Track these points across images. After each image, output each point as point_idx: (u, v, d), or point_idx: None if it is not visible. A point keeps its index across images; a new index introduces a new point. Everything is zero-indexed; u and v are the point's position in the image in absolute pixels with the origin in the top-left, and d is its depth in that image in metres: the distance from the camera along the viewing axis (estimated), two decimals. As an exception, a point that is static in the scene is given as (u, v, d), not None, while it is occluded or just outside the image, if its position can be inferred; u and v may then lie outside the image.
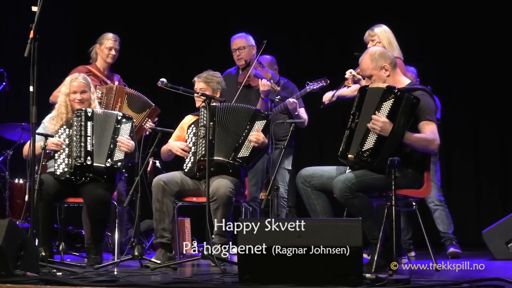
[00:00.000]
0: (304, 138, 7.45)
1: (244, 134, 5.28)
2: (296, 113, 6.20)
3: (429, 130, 4.71)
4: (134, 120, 5.60)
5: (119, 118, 5.42)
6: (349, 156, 4.74)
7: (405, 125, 4.63)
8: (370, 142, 4.64)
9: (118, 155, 5.36)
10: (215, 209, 5.10)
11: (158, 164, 6.46)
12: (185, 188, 5.28)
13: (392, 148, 4.53)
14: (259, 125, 5.31)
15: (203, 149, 5.14)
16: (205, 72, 5.55)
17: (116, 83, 6.12)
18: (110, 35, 6.10)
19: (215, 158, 5.14)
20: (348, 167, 4.86)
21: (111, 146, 5.35)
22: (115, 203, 5.53)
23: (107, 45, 6.07)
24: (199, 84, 5.45)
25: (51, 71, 7.32)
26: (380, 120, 4.58)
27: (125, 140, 5.35)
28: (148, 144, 5.41)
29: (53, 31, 7.64)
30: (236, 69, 6.35)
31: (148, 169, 6.21)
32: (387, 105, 4.62)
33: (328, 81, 6.10)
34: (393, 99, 4.62)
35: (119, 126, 5.39)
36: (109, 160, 5.32)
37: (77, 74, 5.54)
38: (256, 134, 5.25)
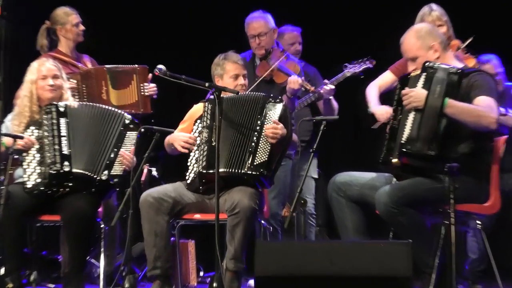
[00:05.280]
0: (335, 136, 7.35)
1: (256, 133, 5.17)
2: (329, 101, 6.14)
3: (482, 103, 4.73)
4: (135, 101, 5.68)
5: (127, 122, 5.43)
6: (394, 161, 4.76)
7: (443, 94, 4.70)
8: (407, 128, 4.70)
9: (117, 169, 5.36)
10: (235, 225, 5.02)
11: (154, 172, 6.43)
12: (183, 202, 5.22)
13: (432, 123, 4.61)
14: (272, 114, 5.21)
15: (205, 158, 5.13)
16: (230, 52, 5.54)
17: (89, 64, 6.16)
18: (68, 10, 6.13)
19: (220, 170, 4.98)
20: (393, 177, 4.92)
21: (112, 156, 5.35)
22: (100, 221, 5.49)
23: (73, 22, 6.12)
24: (233, 65, 5.43)
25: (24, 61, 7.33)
26: (409, 93, 4.68)
27: (128, 155, 5.36)
28: (142, 147, 5.40)
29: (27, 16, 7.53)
30: (251, 55, 6.33)
31: (142, 178, 6.21)
32: (420, 82, 4.75)
33: (374, 62, 6.08)
34: (425, 73, 4.73)
35: (125, 132, 5.41)
36: (105, 172, 5.32)
37: (45, 58, 5.54)
38: (271, 127, 5.15)
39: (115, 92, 5.95)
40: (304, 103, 6.28)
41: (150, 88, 5.98)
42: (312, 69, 6.48)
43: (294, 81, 5.94)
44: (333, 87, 6.13)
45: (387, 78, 5.68)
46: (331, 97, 6.18)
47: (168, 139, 5.40)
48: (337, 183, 4.95)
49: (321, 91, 6.13)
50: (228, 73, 5.46)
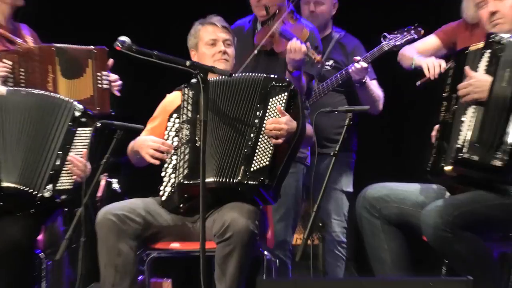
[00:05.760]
0: (366, 135, 7.03)
1: (255, 129, 4.82)
2: (363, 86, 5.86)
3: None
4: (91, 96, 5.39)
5: (77, 114, 5.08)
6: (446, 169, 4.43)
7: None
8: (464, 127, 4.43)
9: (65, 182, 5.03)
10: (226, 256, 4.61)
11: (115, 185, 6.09)
12: (156, 224, 4.81)
13: (499, 121, 4.35)
14: (276, 103, 4.82)
15: (186, 164, 4.74)
16: (213, 16, 5.16)
17: (30, 39, 5.70)
18: None
19: (207, 180, 4.64)
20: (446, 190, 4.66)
21: (57, 163, 5.00)
22: (41, 253, 5.12)
23: None
24: (209, 27, 5.03)
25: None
26: (469, 81, 4.42)
27: (80, 161, 4.99)
28: (99, 149, 5.03)
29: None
30: (252, 22, 5.89)
31: (99, 194, 5.88)
32: (483, 62, 4.52)
33: (422, 31, 5.80)
34: (489, 50, 4.50)
35: (75, 129, 5.06)
36: (49, 186, 4.96)
37: None
38: (272, 122, 4.77)
39: (66, 82, 5.49)
40: (330, 87, 5.97)
41: (111, 80, 5.56)
42: (353, 41, 6.20)
43: (296, 48, 5.42)
44: (365, 65, 5.85)
45: (429, 43, 5.26)
46: (366, 80, 5.89)
47: (133, 145, 5.00)
48: (369, 198, 4.64)
49: (350, 70, 5.88)
50: (203, 39, 5.10)
